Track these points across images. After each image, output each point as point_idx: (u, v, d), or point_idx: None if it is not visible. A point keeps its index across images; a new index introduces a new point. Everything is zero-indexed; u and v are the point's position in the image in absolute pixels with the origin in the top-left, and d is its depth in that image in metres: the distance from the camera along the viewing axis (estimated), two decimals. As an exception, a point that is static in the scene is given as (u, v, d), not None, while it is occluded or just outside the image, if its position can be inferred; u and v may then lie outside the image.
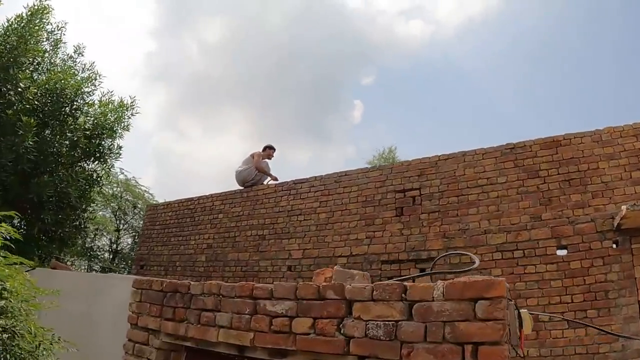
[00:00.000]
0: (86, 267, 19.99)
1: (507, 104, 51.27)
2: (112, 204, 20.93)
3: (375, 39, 55.19)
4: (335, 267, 2.97)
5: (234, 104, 55.62)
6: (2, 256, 3.55)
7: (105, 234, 20.85)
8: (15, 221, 8.27)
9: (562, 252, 5.94)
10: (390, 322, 2.30)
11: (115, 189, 20.99)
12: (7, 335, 3.02)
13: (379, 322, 2.32)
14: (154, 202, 20.35)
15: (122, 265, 20.44)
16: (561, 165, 6.35)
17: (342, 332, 2.41)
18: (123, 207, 21.49)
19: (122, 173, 20.45)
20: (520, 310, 3.00)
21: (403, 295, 2.32)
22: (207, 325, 2.98)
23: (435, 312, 2.21)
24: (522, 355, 2.97)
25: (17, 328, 3.08)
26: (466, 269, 2.96)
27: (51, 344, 3.39)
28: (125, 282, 4.93)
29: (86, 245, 18.99)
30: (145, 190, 22.22)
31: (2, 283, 3.30)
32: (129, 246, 21.78)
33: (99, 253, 21.02)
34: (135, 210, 21.63)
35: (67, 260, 16.32)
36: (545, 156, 6.50)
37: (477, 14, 52.83)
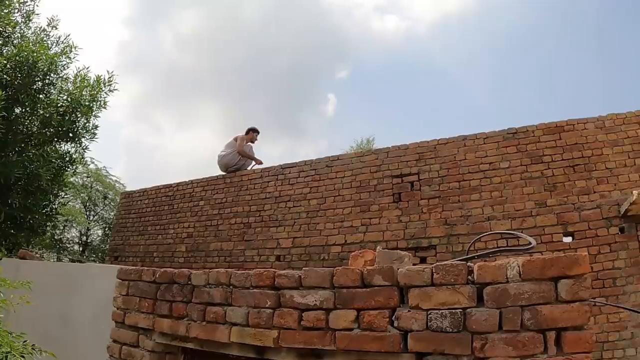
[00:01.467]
0: (55, 259, 19.21)
1: (480, 98, 51.60)
2: (82, 195, 20.21)
3: (351, 33, 55.06)
4: (378, 247, 2.48)
5: (206, 96, 54.93)
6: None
7: (75, 225, 20.12)
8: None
9: (568, 239, 5.75)
10: (457, 310, 1.87)
11: (85, 179, 20.28)
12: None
13: (443, 310, 1.88)
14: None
15: (92, 258, 19.79)
16: (565, 151, 6.22)
17: (395, 325, 1.95)
18: (93, 197, 20.85)
19: (93, 162, 19.72)
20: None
21: (469, 277, 1.89)
22: (216, 323, 2.46)
23: (512, 295, 1.80)
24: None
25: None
26: (527, 246, 2.52)
27: (22, 357, 2.77)
28: (107, 272, 4.37)
29: (55, 237, 18.26)
30: (116, 181, 21.69)
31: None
32: (99, 238, 21.21)
33: (68, 245, 20.30)
34: (105, 201, 21.04)
35: (36, 252, 15.56)
36: (549, 141, 6.35)
37: (453, 11, 52.97)
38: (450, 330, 1.86)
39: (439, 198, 6.59)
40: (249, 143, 9.14)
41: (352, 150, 25.81)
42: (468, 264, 1.92)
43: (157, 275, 2.93)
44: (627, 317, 5.14)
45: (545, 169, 6.22)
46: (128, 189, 21.14)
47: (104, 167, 20.93)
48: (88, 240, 20.90)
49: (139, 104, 51.25)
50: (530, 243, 2.52)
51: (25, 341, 2.90)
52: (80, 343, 4.51)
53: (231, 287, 2.48)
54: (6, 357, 2.58)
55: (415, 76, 57.88)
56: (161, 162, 45.78)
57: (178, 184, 9.41)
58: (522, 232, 5.87)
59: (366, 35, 56.15)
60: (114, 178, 21.59)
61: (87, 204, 20.89)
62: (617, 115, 6.18)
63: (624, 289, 5.25)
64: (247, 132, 9.23)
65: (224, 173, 8.91)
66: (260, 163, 8.94)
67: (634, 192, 5.11)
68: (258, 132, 9.35)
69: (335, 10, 55.43)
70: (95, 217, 21.34)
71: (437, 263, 1.95)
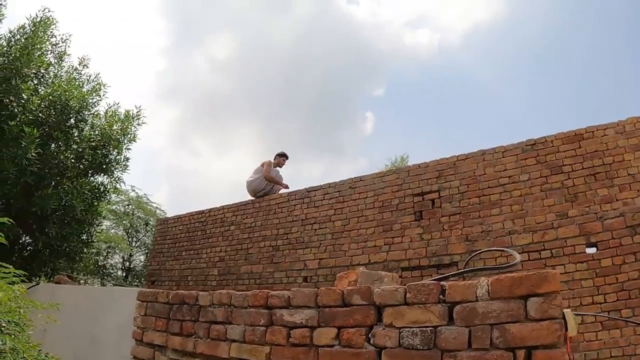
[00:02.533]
0: (99, 285, 19.86)
1: (516, 107, 51.01)
2: (124, 222, 20.89)
3: (384, 50, 55.31)
4: (360, 268, 2.64)
5: (243, 119, 55.85)
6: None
7: (117, 251, 20.78)
8: (22, 237, 8.07)
9: (591, 250, 5.66)
10: (428, 329, 1.97)
11: (127, 207, 20.96)
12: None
13: (414, 328, 2.00)
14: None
15: (136, 283, 20.34)
16: (585, 160, 6.09)
17: (371, 342, 2.09)
18: (135, 224, 21.45)
19: (134, 190, 20.46)
20: (564, 310, 2.68)
21: (441, 296, 2.00)
22: (218, 340, 2.67)
23: (481, 314, 1.88)
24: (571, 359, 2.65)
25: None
26: (509, 263, 2.63)
27: None
28: (129, 295, 4.64)
29: (99, 264, 18.89)
30: (157, 207, 22.29)
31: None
32: (141, 263, 21.75)
33: (112, 271, 20.94)
34: (147, 228, 21.62)
35: (80, 278, 16.15)
36: (568, 151, 6.23)
37: (483, 20, 52.75)
38: (421, 347, 1.96)
39: (459, 214, 6.60)
40: (276, 168, 9.39)
41: (387, 168, 25.95)
42: (442, 283, 2.05)
43: (170, 297, 3.16)
44: None
45: (566, 179, 6.12)
46: (169, 213, 21.82)
47: (145, 194, 21.63)
48: (131, 266, 21.51)
49: (178, 130, 52.65)
50: (515, 259, 2.62)
51: (41, 350, 3.16)
52: (105, 358, 4.78)
53: (232, 307, 2.68)
54: None
55: (450, 88, 57.72)
56: (200, 186, 46.72)
57: (210, 210, 9.72)
58: (543, 245, 5.94)
59: (399, 51, 56.44)
60: (154, 205, 22.27)
61: (129, 231, 21.54)
62: (637, 119, 6.01)
63: None
64: (275, 157, 9.52)
65: (252, 198, 9.18)
66: (287, 187, 9.17)
67: None
68: (287, 157, 9.61)
69: (367, 28, 55.95)
70: (138, 243, 21.97)
71: (411, 283, 2.09)
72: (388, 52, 56.26)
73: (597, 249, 5.59)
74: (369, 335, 2.11)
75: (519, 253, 5.88)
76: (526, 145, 6.52)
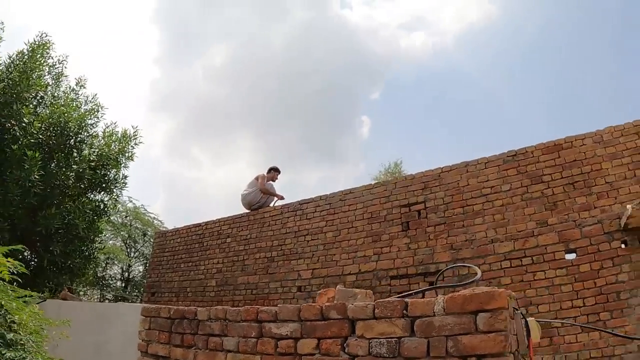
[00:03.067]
0: (99, 296, 20.07)
1: (511, 107, 51.47)
2: (122, 233, 21.09)
3: (379, 54, 55.64)
4: (338, 286, 2.98)
5: (241, 127, 56.03)
6: (10, 290, 3.61)
7: (116, 262, 20.98)
8: (26, 254, 8.37)
9: (570, 256, 5.91)
10: (392, 339, 2.30)
11: (124, 218, 21.17)
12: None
13: (381, 339, 2.33)
14: (163, 229, 20.50)
15: (135, 293, 20.54)
16: (564, 169, 6.34)
17: (346, 351, 2.42)
18: (133, 235, 21.65)
19: (131, 201, 20.69)
20: (528, 319, 3.01)
21: (404, 311, 2.33)
22: (215, 350, 3.00)
23: (437, 327, 2.21)
24: (532, 364, 2.98)
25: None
26: (469, 281, 2.96)
27: None
28: (134, 310, 4.99)
29: (98, 275, 19.10)
30: (155, 218, 22.46)
31: (12, 316, 3.35)
32: (140, 274, 21.91)
33: (111, 282, 21.13)
34: (145, 238, 21.79)
35: (80, 290, 16.38)
36: (548, 161, 6.48)
37: (477, 21, 53.24)
38: (387, 356, 2.29)
39: (444, 224, 6.89)
40: (270, 182, 9.73)
41: (381, 174, 26.32)
42: (405, 300, 2.39)
43: (171, 312, 3.49)
44: (632, 330, 5.21)
45: (546, 189, 6.34)
46: (168, 224, 22.01)
47: (142, 205, 21.83)
48: (130, 276, 21.70)
49: (175, 139, 52.79)
50: (477, 274, 2.95)
51: None
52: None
53: (227, 321, 3.01)
54: None
55: (446, 89, 58.06)
56: (199, 195, 46.86)
57: (207, 223, 10.04)
58: (524, 252, 6.21)
59: (395, 55, 56.72)
60: (152, 215, 22.46)
61: (127, 242, 21.73)
62: (614, 128, 6.20)
63: (629, 302, 5.35)
64: (269, 171, 9.88)
65: (248, 211, 9.50)
66: (282, 198, 9.52)
67: (628, 206, 5.25)
68: (279, 172, 9.99)
69: (361, 33, 56.28)
70: (136, 253, 22.12)
71: (379, 300, 2.44)
72: (384, 56, 56.63)
73: (576, 255, 5.84)
74: (344, 345, 2.44)
75: (502, 260, 6.23)
76: (507, 156, 6.79)
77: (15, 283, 3.99)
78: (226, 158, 53.07)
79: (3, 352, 3.07)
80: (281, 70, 55.24)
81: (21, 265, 3.73)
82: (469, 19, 54.33)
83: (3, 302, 3.38)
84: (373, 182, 8.41)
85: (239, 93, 57.00)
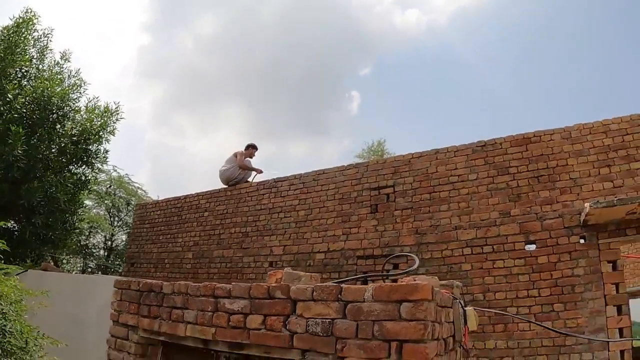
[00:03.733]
0: (82, 264, 20.29)
1: (500, 89, 51.75)
2: (106, 202, 21.21)
3: (373, 29, 55.38)
4: (285, 269, 3.31)
5: (228, 98, 55.85)
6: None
7: (99, 231, 21.12)
8: (9, 225, 8.62)
9: (530, 247, 6.15)
10: (327, 320, 2.63)
11: (108, 187, 21.28)
12: (-2, 334, 3.40)
13: (317, 319, 2.66)
14: (148, 198, 20.71)
15: (117, 262, 20.74)
16: (531, 162, 6.52)
17: (287, 327, 2.75)
18: (117, 204, 21.75)
19: (115, 170, 20.77)
20: (466, 308, 3.36)
21: (339, 295, 2.64)
22: (177, 322, 3.33)
23: (365, 312, 2.53)
24: (466, 349, 3.34)
25: (7, 327, 3.45)
26: (406, 270, 3.31)
27: (36, 340, 3.75)
28: (109, 282, 5.28)
29: (81, 243, 19.28)
30: (139, 187, 22.55)
31: (-7, 289, 3.67)
32: (123, 243, 22.02)
33: (94, 251, 21.30)
34: (129, 207, 21.87)
35: (63, 259, 16.61)
36: (515, 153, 6.66)
37: (471, 2, 53.11)
38: (322, 334, 2.62)
39: (411, 209, 7.17)
40: (248, 158, 10.00)
41: (365, 152, 26.63)
42: (341, 285, 2.71)
43: (140, 285, 3.82)
44: (584, 322, 5.51)
45: (511, 180, 6.54)
46: (152, 193, 22.12)
47: (126, 174, 21.92)
48: (113, 245, 21.90)
49: (162, 108, 52.57)
50: (415, 262, 3.29)
51: (39, 331, 3.88)
52: (89, 337, 5.46)
53: (188, 295, 3.33)
54: (27, 342, 3.56)
55: (439, 69, 58.09)
56: (185, 165, 46.95)
57: (186, 197, 10.31)
58: (486, 240, 6.49)
59: (388, 31, 56.49)
60: (136, 185, 22.57)
61: (111, 211, 21.85)
62: (583, 125, 6.38)
63: (582, 296, 5.63)
64: (247, 148, 10.14)
65: (226, 186, 9.79)
66: (261, 172, 9.85)
67: (586, 204, 5.47)
68: (256, 148, 10.25)
69: (356, 7, 55.88)
70: (119, 222, 22.25)
71: (318, 284, 2.78)
72: (376, 32, 56.41)
73: (536, 247, 6.10)
74: (286, 322, 2.77)
75: (464, 247, 6.52)
76: (477, 146, 7.01)
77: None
78: (213, 128, 52.98)
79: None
80: (271, 42, 54.97)
81: (3, 243, 4.03)
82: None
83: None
84: (356, 160, 8.69)
85: (228, 63, 56.68)
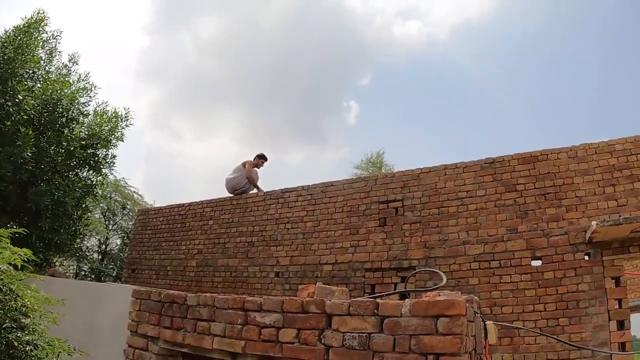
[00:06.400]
0: (75, 267, 20.10)
1: (501, 102, 52.02)
2: (101, 205, 21.03)
3: (373, 40, 55.50)
4: (317, 284, 3.30)
5: (227, 103, 55.70)
6: (14, 276, 3.87)
7: (94, 234, 20.92)
8: (15, 227, 8.54)
9: (536, 263, 6.23)
10: (364, 334, 2.63)
11: (104, 190, 21.12)
12: (29, 348, 3.36)
13: (354, 334, 2.66)
14: (143, 203, 20.58)
15: (111, 267, 20.55)
16: (538, 180, 6.61)
17: (322, 342, 2.75)
18: (112, 207, 21.58)
19: (112, 174, 20.60)
20: (486, 322, 3.37)
21: (375, 310, 2.65)
22: (203, 334, 3.30)
23: (403, 327, 2.55)
24: (487, 362, 3.33)
25: (39, 341, 3.42)
26: (436, 286, 3.31)
27: (69, 354, 3.72)
28: (124, 291, 5.23)
29: (75, 246, 19.09)
30: (135, 191, 22.34)
31: (22, 300, 3.63)
32: (117, 247, 21.85)
33: (88, 254, 21.10)
34: (124, 211, 21.71)
35: (57, 261, 16.44)
36: (523, 171, 6.76)
37: (473, 15, 53.42)
38: (358, 348, 2.63)
39: (419, 223, 7.20)
40: (255, 169, 9.98)
41: (363, 163, 26.70)
42: (377, 300, 2.71)
43: (162, 296, 3.78)
44: (588, 337, 5.58)
45: (518, 197, 6.64)
46: (147, 197, 21.96)
47: (122, 178, 21.73)
48: (107, 249, 21.70)
49: (159, 111, 52.26)
50: (442, 280, 3.29)
51: (69, 344, 3.84)
52: (103, 348, 5.38)
53: (214, 307, 3.31)
54: (58, 355, 3.52)
55: (436, 80, 58.19)
56: (181, 169, 46.73)
57: (190, 204, 10.26)
58: (493, 256, 6.53)
59: (389, 42, 56.48)
60: (132, 189, 22.37)
61: (106, 214, 21.67)
62: (589, 145, 6.51)
63: (587, 311, 5.71)
64: (255, 158, 10.11)
65: (231, 195, 9.76)
66: (262, 192, 9.80)
67: (593, 222, 5.53)
68: (266, 159, 10.24)
69: (357, 17, 55.94)
70: (114, 226, 22.05)
71: (354, 299, 2.77)
72: (377, 42, 56.46)
73: (542, 263, 6.19)
74: (321, 336, 2.77)
75: (472, 262, 6.56)
76: (485, 163, 7.08)
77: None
78: (210, 132, 52.88)
79: (19, 335, 3.37)
80: (272, 48, 54.94)
81: (31, 253, 4.00)
82: (467, 13, 54.50)
83: (14, 288, 3.66)
84: (354, 171, 8.71)
85: (228, 68, 56.63)
